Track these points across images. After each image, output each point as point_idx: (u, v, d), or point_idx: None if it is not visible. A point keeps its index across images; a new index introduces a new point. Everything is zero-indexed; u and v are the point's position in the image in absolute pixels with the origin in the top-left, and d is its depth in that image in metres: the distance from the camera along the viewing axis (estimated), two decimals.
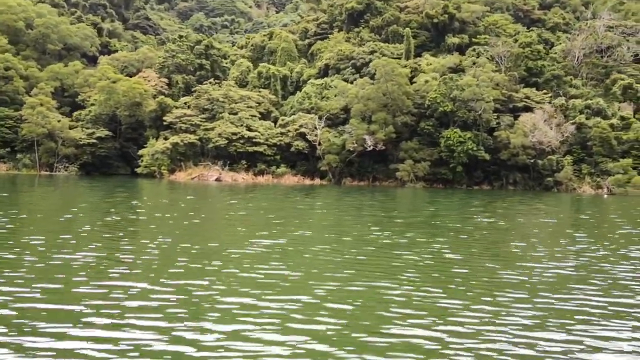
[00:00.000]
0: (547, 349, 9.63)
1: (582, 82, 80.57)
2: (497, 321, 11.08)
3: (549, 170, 67.56)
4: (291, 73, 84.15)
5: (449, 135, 67.72)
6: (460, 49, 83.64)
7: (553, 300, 12.82)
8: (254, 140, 71.24)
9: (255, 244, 19.36)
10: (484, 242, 22.45)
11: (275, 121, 75.81)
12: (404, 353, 9.22)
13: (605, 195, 61.08)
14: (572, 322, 11.18)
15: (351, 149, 69.29)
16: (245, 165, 71.76)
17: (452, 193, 58.33)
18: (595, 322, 11.18)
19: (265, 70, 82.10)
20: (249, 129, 72.28)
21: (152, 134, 74.73)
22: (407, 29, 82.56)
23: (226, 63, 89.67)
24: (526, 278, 15.24)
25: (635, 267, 17.37)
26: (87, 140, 75.22)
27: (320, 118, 72.35)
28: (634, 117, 73.27)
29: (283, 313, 11.13)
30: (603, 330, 10.70)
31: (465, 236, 23.94)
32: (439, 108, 68.71)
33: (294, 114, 74.93)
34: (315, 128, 71.43)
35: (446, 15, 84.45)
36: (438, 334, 10.12)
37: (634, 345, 9.88)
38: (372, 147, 68.42)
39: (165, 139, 72.25)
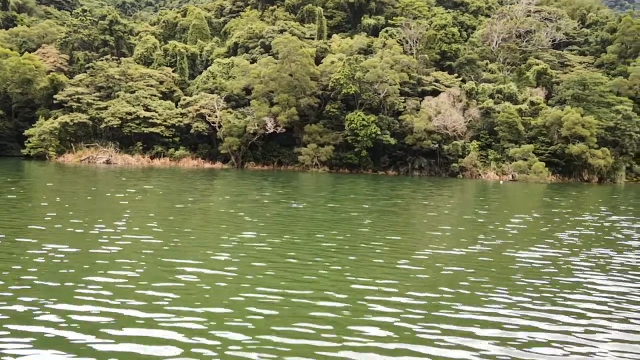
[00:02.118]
0: None
1: (499, 67, 79.02)
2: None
3: (454, 156, 65.78)
4: (201, 51, 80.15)
5: (352, 119, 65.13)
6: (376, 31, 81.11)
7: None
8: (150, 120, 67.14)
9: None
10: (221, 225, 21.35)
11: (177, 101, 71.84)
12: None
13: (502, 182, 59.47)
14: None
15: (252, 132, 66.11)
16: (141, 148, 67.73)
17: (345, 178, 55.61)
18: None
19: (172, 47, 77.82)
20: (147, 109, 68.13)
21: (43, 113, 69.87)
22: (320, 8, 79.49)
23: (135, 40, 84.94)
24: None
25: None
26: None
27: (222, 98, 68.82)
28: (546, 102, 72.07)
29: None
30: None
31: (230, 222, 21.91)
32: (343, 90, 66.02)
33: (198, 94, 71.17)
34: (216, 109, 67.91)
35: None
36: None
37: None
38: (272, 130, 65.47)
39: (55, 118, 67.56)
